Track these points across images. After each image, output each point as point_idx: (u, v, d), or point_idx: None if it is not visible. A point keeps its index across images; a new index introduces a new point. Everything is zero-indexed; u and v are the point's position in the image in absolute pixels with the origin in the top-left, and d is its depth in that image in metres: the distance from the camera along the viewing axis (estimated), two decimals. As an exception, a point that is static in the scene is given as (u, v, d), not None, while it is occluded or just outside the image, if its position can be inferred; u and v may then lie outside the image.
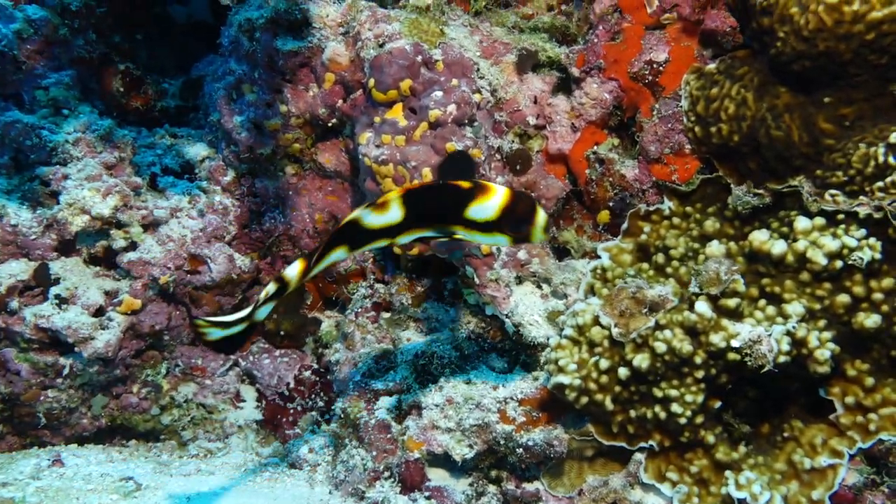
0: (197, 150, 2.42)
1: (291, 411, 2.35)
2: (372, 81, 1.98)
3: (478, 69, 2.03)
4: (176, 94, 2.62)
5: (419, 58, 1.96)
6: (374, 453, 1.99)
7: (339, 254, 1.50)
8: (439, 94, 1.95)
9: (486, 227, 1.43)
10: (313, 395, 2.34)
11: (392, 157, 1.98)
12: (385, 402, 2.08)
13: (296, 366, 2.36)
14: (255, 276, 2.37)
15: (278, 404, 2.36)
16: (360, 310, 2.22)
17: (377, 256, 2.28)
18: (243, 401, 2.38)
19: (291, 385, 2.35)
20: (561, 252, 2.20)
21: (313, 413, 2.32)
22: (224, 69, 2.20)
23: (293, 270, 1.49)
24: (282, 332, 2.36)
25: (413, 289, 2.20)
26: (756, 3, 1.76)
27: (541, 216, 1.41)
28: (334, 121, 2.16)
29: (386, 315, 2.22)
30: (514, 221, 1.41)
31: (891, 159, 1.63)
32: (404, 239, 1.50)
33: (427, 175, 1.96)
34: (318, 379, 2.35)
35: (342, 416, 2.11)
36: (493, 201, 1.40)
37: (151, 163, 2.38)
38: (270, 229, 2.31)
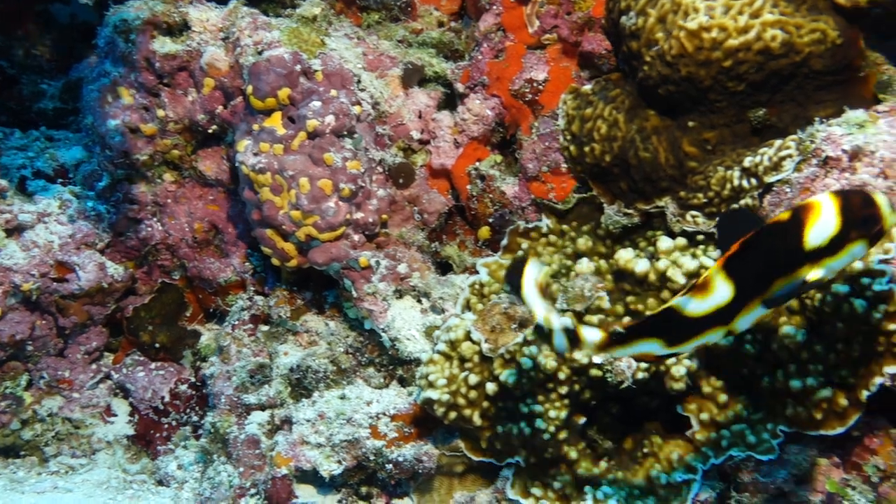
0: (73, 154, 2.33)
1: (165, 426, 2.27)
2: (250, 88, 1.95)
3: (359, 81, 2.02)
4: (56, 96, 2.52)
5: (298, 67, 1.94)
6: (242, 469, 1.94)
7: (649, 346, 1.27)
8: (317, 104, 1.93)
9: (833, 246, 1.18)
10: (188, 410, 2.27)
11: (270, 166, 1.95)
12: (257, 416, 2.03)
13: (172, 379, 2.28)
14: (130, 286, 2.28)
15: (152, 419, 2.28)
16: (237, 322, 2.17)
17: (257, 268, 2.23)
18: (114, 415, 2.29)
19: (166, 399, 2.27)
20: (444, 266, 2.20)
21: (187, 428, 2.25)
22: (99, 70, 2.13)
23: (591, 336, 1.28)
24: (157, 345, 2.28)
25: (293, 301, 2.16)
26: (625, 27, 1.81)
27: (880, 200, 1.16)
28: (215, 127, 2.12)
29: (264, 328, 2.17)
30: (860, 219, 1.16)
31: (744, 183, 1.69)
32: (744, 321, 1.25)
33: (304, 185, 1.93)
34: (194, 393, 2.27)
35: (212, 431, 2.05)
36: (825, 213, 1.16)
37: (22, 165, 2.27)
38: (147, 238, 2.24)
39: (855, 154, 1.53)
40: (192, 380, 2.29)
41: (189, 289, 2.32)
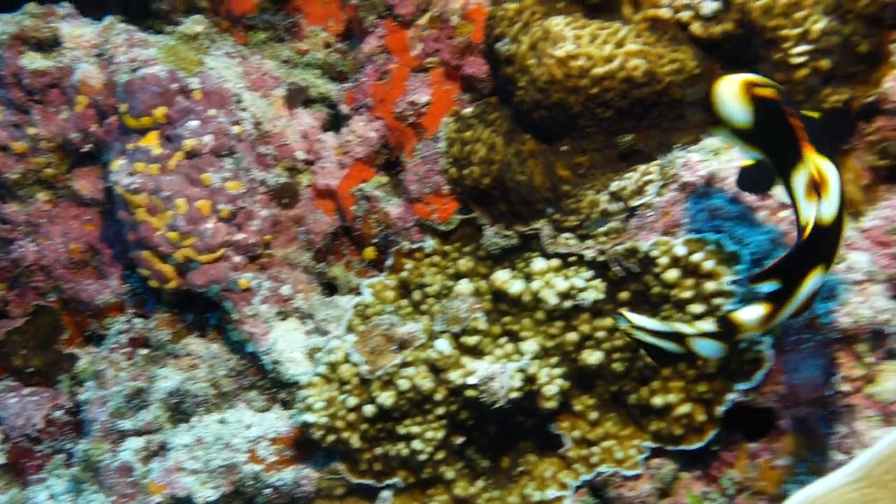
0: (-60, 171, 2.21)
1: (39, 454, 2.17)
2: (124, 107, 1.90)
3: (239, 100, 2.00)
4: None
5: (175, 85, 1.90)
6: (114, 498, 1.88)
7: (817, 279, 1.14)
8: (195, 123, 1.90)
9: None
10: (63, 437, 2.18)
11: (145, 187, 1.90)
12: (132, 443, 1.97)
13: (46, 405, 2.19)
14: (2, 309, 2.18)
15: (25, 447, 2.18)
16: (114, 346, 2.10)
17: (137, 289, 2.17)
18: (-16, 445, 2.18)
19: (40, 426, 2.17)
20: (330, 287, 2.19)
21: (62, 456, 2.16)
22: (-35, 85, 2.03)
23: (752, 315, 1.16)
24: (31, 369, 2.19)
25: (174, 324, 2.11)
26: (500, 53, 1.85)
27: None
28: (89, 146, 2.05)
29: (143, 351, 2.11)
30: None
31: (611, 207, 1.74)
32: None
33: (181, 206, 1.89)
34: (70, 419, 2.18)
35: (84, 458, 1.97)
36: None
37: None
38: (19, 259, 2.14)
39: (710, 180, 1.60)
40: (69, 405, 2.20)
41: (66, 311, 2.23)
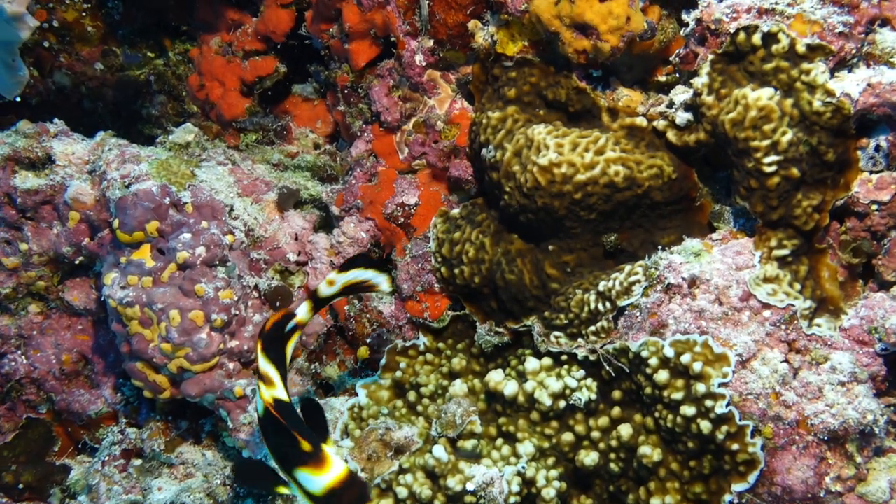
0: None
1: (30, 573, 2.12)
2: (117, 222, 1.93)
3: (231, 210, 2.04)
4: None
5: (167, 199, 1.94)
6: None
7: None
8: (188, 236, 1.93)
9: (311, 497, 1.39)
10: (56, 554, 2.14)
11: (138, 300, 1.92)
12: (127, 561, 1.94)
13: (37, 521, 2.15)
14: (-7, 424, 2.17)
15: (15, 566, 2.13)
16: (107, 458, 2.08)
17: (130, 398, 2.17)
18: (-27, 565, 2.13)
19: (32, 541, 2.13)
20: (325, 388, 2.20)
21: (55, 574, 2.12)
22: (-43, 205, 2.06)
23: None
24: (21, 485, 2.16)
25: (167, 433, 2.10)
26: (486, 159, 1.91)
27: None
28: (81, 258, 2.07)
29: (137, 462, 2.09)
30: None
31: (600, 306, 1.78)
32: None
33: (175, 317, 1.91)
34: (61, 537, 2.15)
35: (78, 580, 1.94)
36: (323, 478, 1.36)
37: None
38: (10, 373, 2.14)
39: (693, 282, 1.65)
40: (60, 520, 2.17)
41: (57, 422, 2.22)
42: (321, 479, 1.37)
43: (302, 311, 1.63)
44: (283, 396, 1.50)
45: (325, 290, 1.65)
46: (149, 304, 1.91)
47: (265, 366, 1.52)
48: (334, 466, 1.37)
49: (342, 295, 1.67)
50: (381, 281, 1.68)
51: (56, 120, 2.09)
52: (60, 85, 2.44)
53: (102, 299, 1.95)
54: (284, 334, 1.60)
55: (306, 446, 1.37)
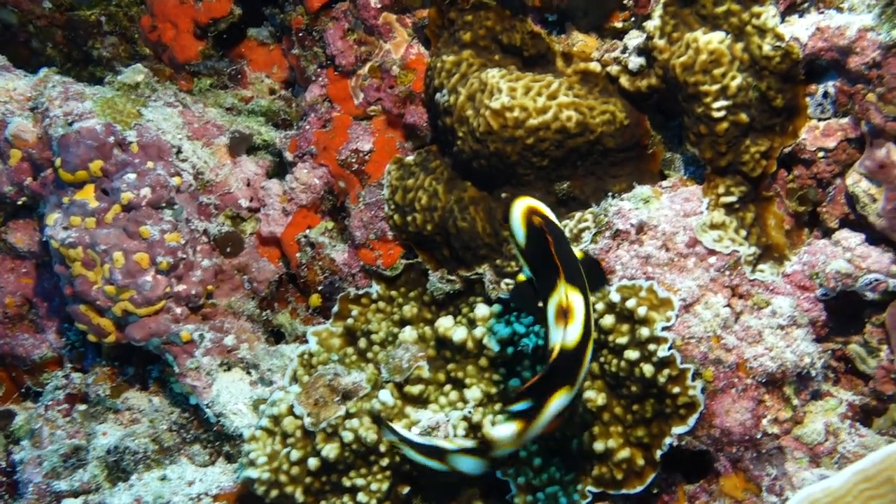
0: None
1: (-28, 518, 2.09)
2: (59, 161, 1.88)
3: (179, 151, 1.99)
4: None
5: (111, 139, 1.88)
6: (50, 565, 1.82)
7: (562, 399, 1.22)
8: (132, 176, 1.88)
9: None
10: (-2, 499, 2.11)
11: (81, 240, 1.87)
12: (68, 504, 1.92)
13: (-20, 466, 2.12)
14: (-66, 368, 2.12)
15: (-43, 511, 2.10)
16: (50, 402, 2.05)
17: (76, 343, 2.13)
18: (-87, 510, 2.09)
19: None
20: (276, 335, 2.18)
21: (-4, 519, 2.09)
22: None
23: (505, 432, 1.23)
24: (-37, 429, 2.12)
25: (114, 378, 2.07)
26: (440, 104, 1.89)
27: None
28: (24, 199, 2.02)
29: (81, 407, 2.06)
30: None
31: (549, 253, 1.78)
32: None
33: (119, 259, 1.87)
34: (4, 480, 2.11)
35: (18, 523, 1.91)
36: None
37: None
38: (-50, 315, 2.09)
39: (641, 228, 1.65)
40: (3, 465, 2.13)
41: (1, 367, 2.17)
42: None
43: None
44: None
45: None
46: (92, 245, 1.87)
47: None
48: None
49: None
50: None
51: (-3, 55, 2.02)
52: (6, 22, 2.35)
53: (45, 240, 1.90)
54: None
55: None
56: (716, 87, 1.54)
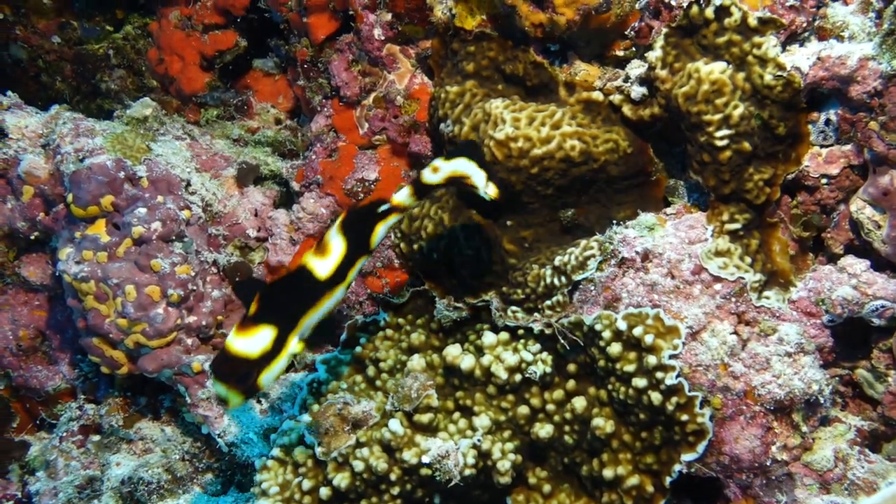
0: None
1: (-12, 550, 2.11)
2: (71, 197, 1.91)
3: (188, 185, 2.02)
4: None
5: (122, 174, 1.91)
6: None
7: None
8: (143, 210, 1.91)
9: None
10: (14, 530, 2.13)
11: (93, 275, 1.90)
12: (84, 536, 1.93)
13: (-5, 497, 2.14)
14: (-50, 401, 2.15)
15: (-27, 543, 2.12)
16: (65, 434, 2.07)
17: (88, 374, 2.15)
18: (-70, 543, 2.11)
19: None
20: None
21: (12, 551, 2.11)
22: None
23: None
24: (-21, 462, 2.14)
25: (126, 408, 2.09)
26: (445, 134, 1.91)
27: None
28: (37, 233, 2.05)
29: (95, 438, 2.08)
30: None
31: (555, 280, 1.79)
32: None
33: (131, 292, 1.89)
34: (20, 511, 2.14)
35: (34, 556, 1.93)
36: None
37: None
38: (-35, 349, 2.12)
39: (646, 255, 1.66)
40: (18, 496, 2.15)
41: (15, 398, 2.20)
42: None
43: (402, 194, 1.56)
44: (320, 269, 1.50)
45: (428, 176, 1.55)
46: (104, 279, 1.89)
47: (333, 236, 1.51)
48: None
49: (444, 185, 1.58)
50: (480, 179, 1.56)
51: (9, 93, 2.06)
52: (16, 58, 2.39)
53: (58, 274, 1.93)
54: (377, 214, 1.56)
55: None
56: (718, 116, 1.55)
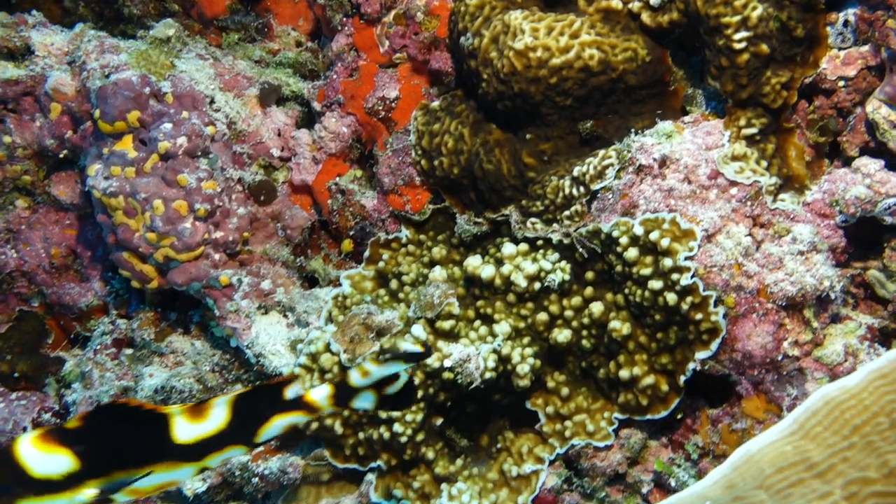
0: (-83, 182, 2.25)
1: (30, 458, 2.21)
2: (98, 112, 1.95)
3: (212, 101, 2.05)
4: None
5: (147, 89, 1.95)
6: (106, 495, 1.93)
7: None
8: (168, 126, 1.95)
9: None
10: (53, 439, 2.22)
11: (122, 190, 1.95)
12: (121, 440, 2.02)
13: (34, 409, 2.23)
14: (-14, 316, 2.23)
15: (15, 451, 2.22)
16: (99, 347, 2.15)
17: (120, 290, 2.22)
18: (-27, 450, 2.22)
19: (28, 429, 2.21)
20: (310, 281, 2.25)
21: (53, 457, 2.20)
22: (-60, 96, 2.07)
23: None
24: (17, 374, 2.23)
25: (157, 323, 2.16)
26: (464, 47, 1.92)
27: None
28: (66, 152, 2.10)
29: (128, 351, 2.16)
30: None
31: (574, 191, 1.82)
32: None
33: (159, 207, 1.94)
34: (58, 421, 2.23)
35: (75, 458, 2.02)
36: None
37: None
38: (1, 266, 2.19)
39: (663, 162, 1.69)
40: (56, 408, 2.25)
41: (50, 315, 2.28)
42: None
43: (320, 394, 1.26)
44: (180, 431, 1.18)
45: (356, 379, 1.25)
46: (132, 193, 1.94)
47: (218, 404, 1.21)
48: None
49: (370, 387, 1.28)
50: (404, 374, 1.30)
51: (34, 11, 2.08)
52: (38, -17, 2.42)
53: (87, 190, 1.98)
54: (281, 402, 1.25)
55: None
56: (737, 18, 1.56)
